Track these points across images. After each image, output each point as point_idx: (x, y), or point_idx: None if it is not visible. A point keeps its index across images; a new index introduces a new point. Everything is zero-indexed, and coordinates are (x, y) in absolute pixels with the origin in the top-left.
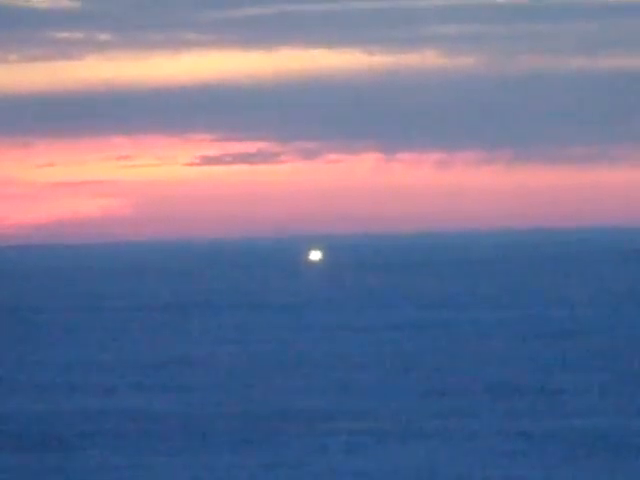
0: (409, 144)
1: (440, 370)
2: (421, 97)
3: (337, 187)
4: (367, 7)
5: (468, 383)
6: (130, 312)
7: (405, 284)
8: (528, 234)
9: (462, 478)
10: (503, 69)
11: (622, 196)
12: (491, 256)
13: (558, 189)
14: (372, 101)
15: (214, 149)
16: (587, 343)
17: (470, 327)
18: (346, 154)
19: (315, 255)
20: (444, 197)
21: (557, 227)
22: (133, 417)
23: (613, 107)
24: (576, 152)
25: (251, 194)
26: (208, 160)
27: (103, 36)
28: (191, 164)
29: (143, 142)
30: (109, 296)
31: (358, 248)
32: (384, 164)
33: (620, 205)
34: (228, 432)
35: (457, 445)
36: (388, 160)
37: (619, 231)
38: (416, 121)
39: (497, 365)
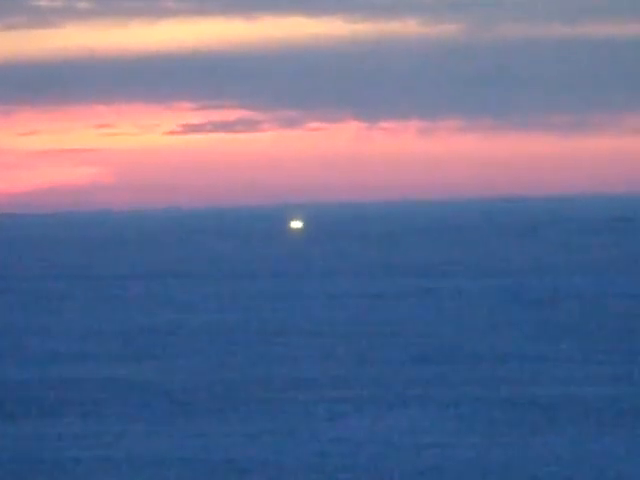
0: (390, 112)
1: (421, 338)
2: (402, 65)
3: (318, 155)
4: None
5: (450, 351)
6: (111, 280)
7: (386, 252)
8: (509, 202)
9: (444, 445)
10: (484, 37)
11: (603, 164)
12: (472, 224)
13: (539, 157)
14: (353, 69)
15: (195, 117)
16: (569, 311)
17: (452, 295)
18: (327, 122)
19: (296, 224)
20: (425, 165)
21: (538, 195)
22: (113, 385)
23: (594, 75)
24: (557, 120)
25: (232, 162)
26: (189, 128)
27: (83, 4)
28: (172, 132)
29: (124, 110)
30: (90, 265)
31: (339, 216)
32: (365, 132)
33: (601, 173)
34: (210, 400)
35: (439, 412)
36: (369, 128)
37: (600, 199)
38: (397, 89)
39: (479, 333)
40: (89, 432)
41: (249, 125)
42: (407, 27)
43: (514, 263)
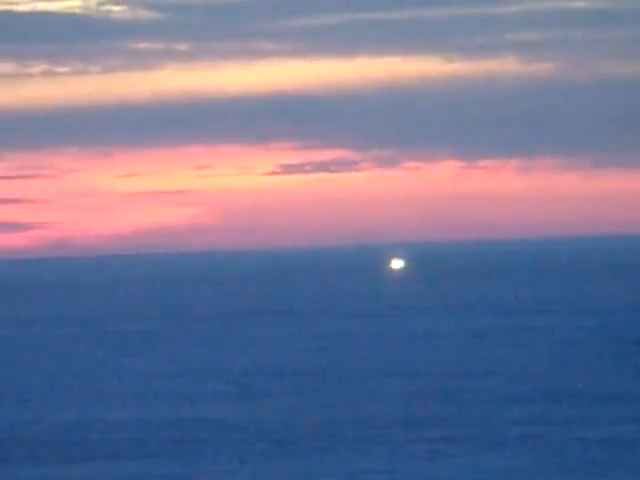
0: (489, 151)
1: (522, 376)
2: (500, 104)
3: (416, 195)
4: (445, 14)
5: (549, 390)
6: (210, 321)
7: (486, 290)
8: (609, 240)
9: None
10: (583, 75)
11: None
12: (571, 262)
13: (639, 195)
14: (451, 108)
15: (293, 158)
16: None
17: (552, 333)
18: (425, 162)
19: (397, 263)
20: (525, 204)
21: (637, 233)
22: (213, 425)
23: None
24: None
25: (330, 202)
26: (287, 169)
27: (182, 46)
28: (270, 173)
29: (222, 151)
30: (190, 305)
31: (439, 255)
32: (463, 171)
33: None
34: (308, 440)
35: (539, 452)
36: (468, 167)
37: None
38: (496, 128)
39: (577, 372)
40: (191, 472)
41: (347, 165)
42: (505, 65)
43: (613, 301)
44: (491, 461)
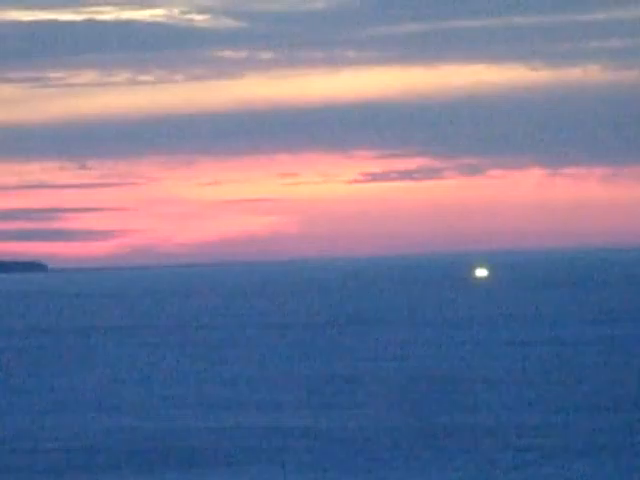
0: (573, 159)
1: (607, 385)
2: (584, 112)
3: (501, 203)
4: (529, 22)
5: (635, 399)
6: (294, 329)
7: (571, 300)
8: None
9: None
10: None
11: None
12: None
13: None
14: (535, 116)
15: (377, 166)
16: None
17: (637, 342)
18: (509, 170)
19: (481, 272)
20: (610, 211)
21: None
22: (299, 434)
23: None
24: None
25: (414, 211)
26: (372, 177)
27: (265, 54)
28: (355, 181)
29: (306, 160)
30: (274, 313)
31: (524, 263)
32: (548, 179)
33: None
34: (392, 449)
35: (627, 462)
36: (552, 175)
37: None
38: (580, 136)
39: None
40: None
41: (431, 173)
42: (590, 73)
43: None
44: (576, 470)
